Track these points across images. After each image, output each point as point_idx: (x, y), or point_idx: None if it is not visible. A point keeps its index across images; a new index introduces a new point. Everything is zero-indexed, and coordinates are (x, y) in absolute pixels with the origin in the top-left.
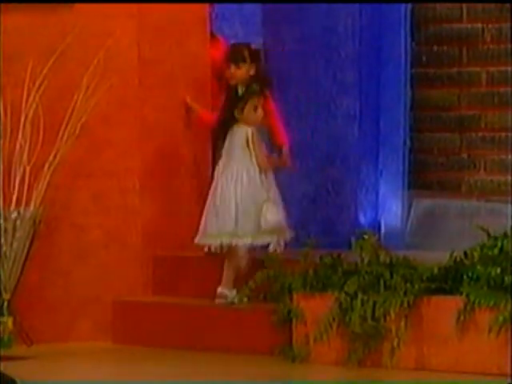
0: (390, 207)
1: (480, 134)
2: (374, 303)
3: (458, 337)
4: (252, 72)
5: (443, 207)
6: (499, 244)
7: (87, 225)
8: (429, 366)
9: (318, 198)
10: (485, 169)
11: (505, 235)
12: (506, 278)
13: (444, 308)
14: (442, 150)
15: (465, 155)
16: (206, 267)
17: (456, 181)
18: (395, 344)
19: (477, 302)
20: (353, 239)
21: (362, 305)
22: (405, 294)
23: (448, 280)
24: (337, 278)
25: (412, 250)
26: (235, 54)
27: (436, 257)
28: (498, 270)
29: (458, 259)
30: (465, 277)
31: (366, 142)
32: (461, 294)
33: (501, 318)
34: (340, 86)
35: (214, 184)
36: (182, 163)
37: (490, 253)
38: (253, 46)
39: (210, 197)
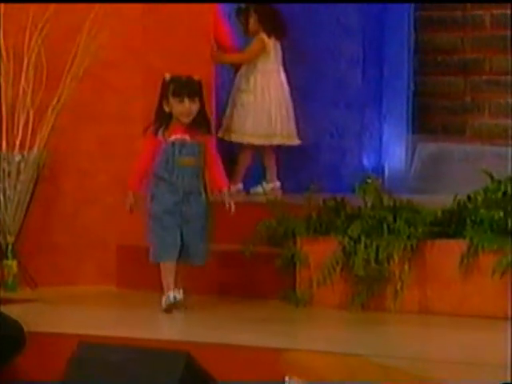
0: (394, 151)
1: (484, 78)
2: (378, 247)
3: (462, 280)
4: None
5: (447, 151)
6: (503, 188)
7: (92, 169)
8: (432, 309)
9: (321, 142)
10: (489, 112)
11: (509, 179)
12: (510, 222)
13: (447, 251)
14: (446, 93)
15: (469, 99)
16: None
17: (460, 125)
18: (398, 287)
19: (480, 245)
20: (356, 183)
21: (366, 248)
22: (408, 237)
23: (451, 224)
24: (340, 222)
25: (415, 194)
26: (189, 88)
27: (439, 200)
28: (502, 214)
29: (462, 203)
30: (468, 220)
31: (369, 86)
32: (464, 237)
33: (504, 261)
34: (343, 30)
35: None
36: None
37: (493, 196)
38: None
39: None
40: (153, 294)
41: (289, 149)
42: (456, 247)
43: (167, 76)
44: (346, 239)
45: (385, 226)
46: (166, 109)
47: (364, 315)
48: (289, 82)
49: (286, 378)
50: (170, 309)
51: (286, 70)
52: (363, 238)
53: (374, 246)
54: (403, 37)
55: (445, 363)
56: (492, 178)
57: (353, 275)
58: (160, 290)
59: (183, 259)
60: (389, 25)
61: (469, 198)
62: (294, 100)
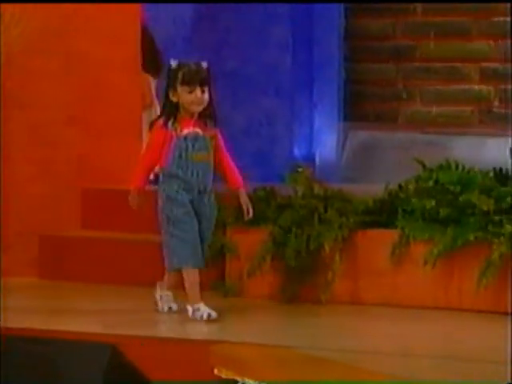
0: (325, 139)
1: (416, 65)
2: (309, 237)
3: (393, 270)
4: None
5: (379, 139)
6: (434, 176)
7: (17, 157)
8: (364, 300)
9: (250, 130)
10: (421, 100)
11: (440, 167)
12: (441, 211)
13: (379, 241)
14: (378, 80)
15: (401, 86)
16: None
17: (392, 112)
18: (329, 278)
19: (412, 234)
20: (287, 172)
21: (296, 239)
22: (339, 227)
23: (383, 213)
24: (270, 212)
25: (347, 183)
26: (199, 76)
27: (371, 190)
28: (433, 203)
29: (393, 192)
30: (400, 210)
31: (299, 73)
32: (396, 227)
33: (435, 251)
34: (272, 14)
35: None
36: (112, 95)
37: (425, 185)
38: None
39: None
40: (76, 285)
41: None
42: (387, 237)
43: (173, 63)
44: (277, 229)
45: (316, 216)
46: (173, 99)
47: (295, 306)
48: (218, 69)
49: (215, 371)
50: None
51: (214, 56)
52: (294, 228)
53: (305, 236)
54: (334, 23)
55: (376, 354)
56: (424, 166)
57: (283, 266)
58: (84, 280)
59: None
60: (319, 11)
61: (400, 187)
62: (223, 86)
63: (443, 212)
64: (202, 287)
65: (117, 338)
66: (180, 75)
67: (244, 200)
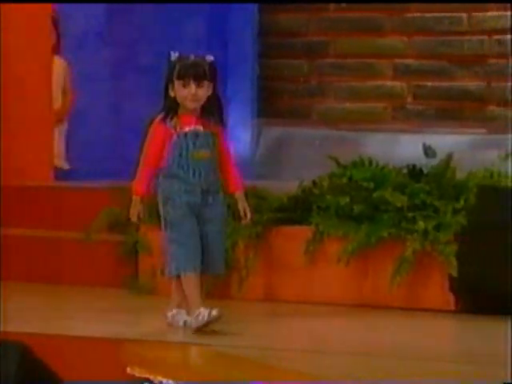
0: (239, 136)
1: (329, 61)
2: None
3: (307, 267)
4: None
5: (293, 135)
6: (348, 173)
7: None
8: (278, 297)
9: None
10: (334, 96)
11: (354, 164)
12: (355, 207)
13: (293, 238)
14: (292, 77)
15: (314, 82)
16: (52, 198)
17: (306, 108)
18: (243, 275)
19: (326, 231)
20: None
21: None
22: (254, 224)
23: (297, 210)
24: None
25: (261, 180)
26: (195, 70)
27: (285, 186)
28: (347, 199)
29: (307, 189)
30: (314, 206)
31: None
32: (310, 223)
33: (350, 248)
34: (187, 10)
35: None
36: (24, 89)
37: (338, 182)
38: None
39: None
40: None
41: (131, 133)
42: (302, 234)
43: (173, 55)
44: None
45: (230, 213)
46: (172, 94)
47: (208, 303)
48: (132, 64)
49: (128, 369)
50: (201, 328)
51: (128, 52)
52: None
53: None
54: (248, 19)
55: (289, 351)
56: (337, 163)
57: None
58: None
59: (205, 268)
60: (233, 7)
61: (314, 183)
62: (137, 82)
63: (357, 209)
64: (115, 285)
65: (28, 337)
66: (177, 68)
67: (242, 204)
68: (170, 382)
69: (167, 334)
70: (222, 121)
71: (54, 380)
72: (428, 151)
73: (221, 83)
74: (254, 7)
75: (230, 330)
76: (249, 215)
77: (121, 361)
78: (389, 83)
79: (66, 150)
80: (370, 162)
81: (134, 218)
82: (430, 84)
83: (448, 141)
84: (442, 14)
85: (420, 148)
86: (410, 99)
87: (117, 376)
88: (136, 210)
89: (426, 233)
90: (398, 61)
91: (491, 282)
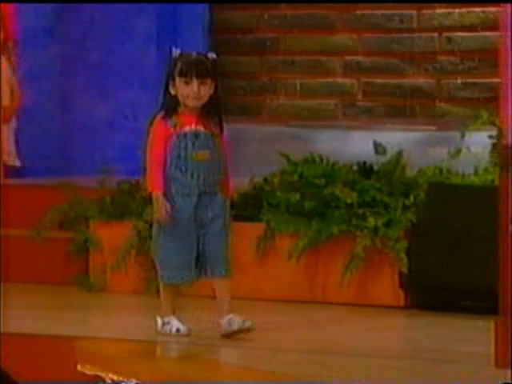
0: None
1: (280, 58)
2: None
3: (258, 263)
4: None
5: (244, 132)
6: (299, 170)
7: None
8: None
9: (115, 123)
10: (285, 93)
11: (305, 161)
12: (306, 204)
13: (244, 235)
14: (242, 73)
15: (265, 79)
16: (1, 195)
17: (257, 105)
18: None
19: (277, 228)
20: None
21: None
22: None
23: (248, 206)
24: (135, 206)
25: None
26: (198, 67)
27: (236, 183)
28: (298, 196)
29: (258, 185)
30: (265, 203)
31: (164, 66)
32: (261, 220)
33: (301, 244)
34: (137, 6)
35: None
36: None
37: (289, 179)
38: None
39: None
40: None
41: (81, 129)
42: (252, 230)
43: (175, 52)
44: (141, 223)
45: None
46: (172, 91)
47: (159, 300)
48: (82, 61)
49: (79, 367)
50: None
51: (78, 48)
52: None
53: None
54: (198, 15)
55: (240, 348)
56: (288, 159)
57: (148, 260)
58: None
59: (203, 272)
60: (184, 3)
61: (265, 180)
62: (87, 79)
63: (308, 205)
64: (65, 282)
65: None
66: (178, 65)
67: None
68: (121, 379)
69: (118, 330)
70: (221, 122)
71: (6, 379)
72: (378, 148)
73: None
74: (205, 4)
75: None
76: (228, 224)
77: (71, 358)
78: (339, 80)
79: (16, 148)
80: (321, 159)
81: (162, 216)
82: (379, 81)
83: (398, 138)
84: (392, 12)
85: (370, 145)
86: (360, 96)
87: (68, 374)
88: (162, 207)
89: (376, 229)
90: (348, 58)
91: (441, 278)
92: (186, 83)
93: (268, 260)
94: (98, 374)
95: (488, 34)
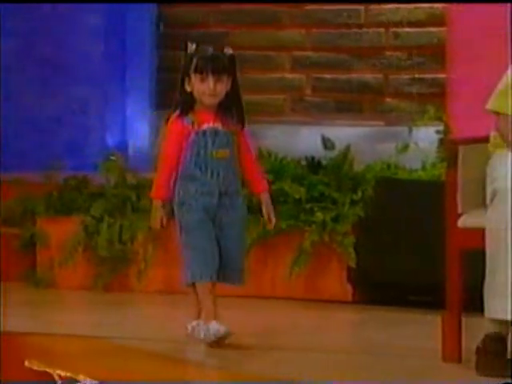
0: (138, 128)
1: None
2: (121, 226)
3: None
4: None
5: None
6: None
7: None
8: (177, 289)
9: (63, 118)
10: None
11: None
12: (255, 199)
13: None
14: None
15: None
16: None
17: None
18: (142, 267)
19: None
20: (99, 161)
21: (109, 228)
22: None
23: None
24: (82, 201)
25: None
26: (214, 63)
27: None
28: (246, 192)
29: None
30: None
31: (112, 61)
32: None
33: (249, 239)
34: (84, 1)
35: None
36: None
37: None
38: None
39: None
40: None
41: (28, 125)
42: None
43: (190, 46)
44: (89, 219)
45: (128, 205)
46: (188, 88)
47: (107, 296)
48: (29, 56)
49: (26, 363)
50: (215, 344)
51: (25, 43)
52: (106, 218)
53: (118, 226)
54: (146, 10)
55: (191, 343)
56: None
57: (96, 255)
58: None
59: (220, 277)
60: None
61: None
62: (34, 74)
63: (256, 200)
64: (12, 278)
65: None
66: (194, 61)
67: (266, 207)
68: (69, 375)
69: (66, 326)
70: (242, 119)
71: None
72: (327, 143)
73: (119, 75)
74: None
75: (131, 323)
76: (273, 220)
77: (19, 354)
78: (288, 75)
79: None
80: (269, 154)
81: (155, 225)
82: (328, 76)
83: (346, 133)
84: (340, 7)
85: (319, 140)
86: (308, 91)
87: (16, 370)
88: (158, 216)
89: (324, 224)
90: (296, 53)
91: (388, 273)
92: (202, 80)
93: None
94: (46, 369)
95: (435, 29)
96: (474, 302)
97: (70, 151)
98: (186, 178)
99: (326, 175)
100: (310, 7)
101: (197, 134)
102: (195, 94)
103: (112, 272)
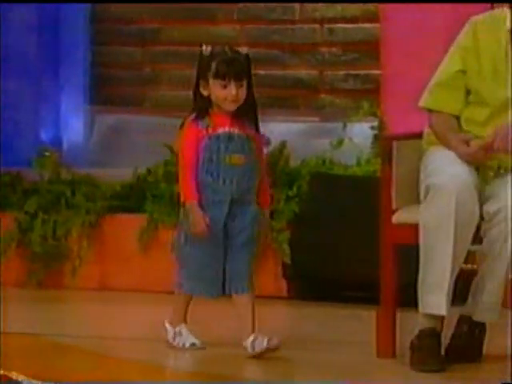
0: (72, 123)
1: (162, 48)
2: (55, 223)
3: (142, 255)
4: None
5: (127, 123)
6: None
7: None
8: (113, 286)
9: None
10: (168, 84)
11: None
12: None
13: (127, 226)
14: (124, 64)
15: (147, 70)
16: None
17: (139, 96)
18: (77, 264)
19: (160, 219)
20: (33, 156)
21: (43, 224)
22: (87, 212)
23: (131, 198)
24: (16, 197)
25: (95, 168)
26: (236, 67)
27: (119, 174)
28: None
29: (142, 176)
30: (148, 194)
31: (45, 55)
32: (144, 211)
33: None
34: None
35: None
36: None
37: (173, 170)
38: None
39: None
40: None
41: None
42: (136, 222)
43: (206, 49)
44: (22, 215)
45: (63, 201)
46: (204, 92)
47: (41, 293)
48: None
49: None
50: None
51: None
52: (40, 214)
53: (52, 222)
54: (80, 5)
55: (126, 340)
56: (172, 150)
57: (29, 252)
58: None
59: (227, 290)
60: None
61: (149, 171)
62: None
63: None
64: None
65: None
66: (213, 65)
67: (265, 224)
68: (2, 372)
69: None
70: (257, 123)
71: None
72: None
73: (53, 70)
74: None
75: (65, 320)
76: (268, 237)
77: None
78: None
79: None
80: None
81: (200, 227)
82: (262, 72)
83: (281, 129)
84: (275, 3)
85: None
86: None
87: None
88: (199, 217)
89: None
90: None
91: (323, 268)
92: (224, 86)
93: (151, 251)
94: None
95: (369, 26)
96: (409, 298)
97: (3, 147)
98: (197, 184)
99: None
100: (243, 3)
101: (210, 138)
102: (213, 99)
103: (46, 269)
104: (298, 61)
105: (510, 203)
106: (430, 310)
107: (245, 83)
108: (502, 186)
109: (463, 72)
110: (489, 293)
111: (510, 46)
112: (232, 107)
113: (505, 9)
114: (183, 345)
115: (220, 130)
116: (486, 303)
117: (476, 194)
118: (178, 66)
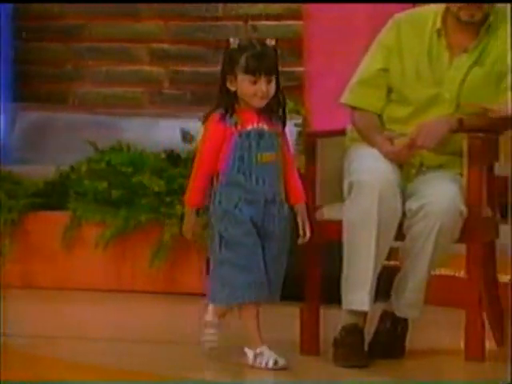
0: None
1: (85, 45)
2: None
3: (66, 253)
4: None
5: (50, 120)
6: (106, 158)
7: None
8: (36, 284)
9: None
10: (91, 80)
11: (112, 149)
12: (113, 192)
13: (50, 224)
14: (47, 60)
15: (70, 66)
16: None
17: (63, 93)
18: (0, 262)
19: (83, 216)
20: None
21: None
22: (9, 210)
23: (54, 195)
24: None
25: (17, 165)
26: (267, 62)
27: (42, 171)
28: (105, 185)
29: (65, 173)
30: (71, 191)
31: None
32: (67, 209)
33: (108, 233)
34: None
35: None
36: None
37: (97, 167)
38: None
39: None
40: None
41: None
42: (59, 219)
43: (233, 42)
44: None
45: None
46: (231, 87)
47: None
48: None
49: None
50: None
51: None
52: None
53: None
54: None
55: (51, 339)
56: (95, 147)
57: None
58: None
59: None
60: None
61: (72, 168)
62: None
63: (115, 194)
64: None
65: None
66: (243, 60)
67: (302, 220)
68: None
69: None
70: (284, 119)
71: None
72: (185, 136)
73: None
74: None
75: None
76: (308, 234)
77: None
78: (146, 68)
79: None
80: (128, 147)
81: (188, 235)
82: (186, 69)
83: None
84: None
85: (178, 133)
86: (166, 84)
87: None
88: (190, 225)
89: (184, 217)
90: (154, 45)
91: None
92: (254, 82)
93: (75, 249)
94: None
95: (292, 23)
96: (332, 294)
97: None
98: (228, 185)
99: (185, 168)
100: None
101: (240, 135)
102: (241, 94)
103: None
104: (221, 58)
105: (432, 200)
106: (353, 306)
107: (274, 78)
108: (424, 183)
109: (385, 70)
110: (411, 289)
111: (438, 43)
112: (261, 104)
113: (430, 6)
114: (266, 364)
115: (250, 127)
116: (408, 299)
117: (399, 191)
118: (101, 62)
